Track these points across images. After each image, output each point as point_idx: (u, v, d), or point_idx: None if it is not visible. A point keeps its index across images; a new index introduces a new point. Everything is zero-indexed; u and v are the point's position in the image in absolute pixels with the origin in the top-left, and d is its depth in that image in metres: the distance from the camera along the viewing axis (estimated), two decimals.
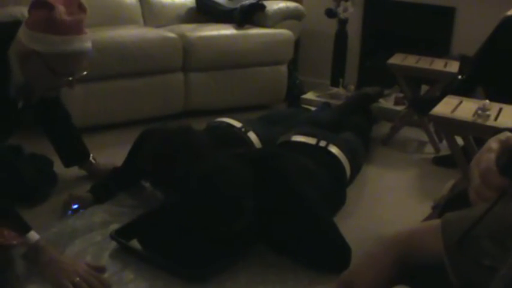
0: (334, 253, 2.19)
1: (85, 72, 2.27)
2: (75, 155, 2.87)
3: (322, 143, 2.73)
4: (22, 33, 2.13)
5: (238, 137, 2.87)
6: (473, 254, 0.83)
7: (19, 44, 2.14)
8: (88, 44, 2.19)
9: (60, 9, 2.09)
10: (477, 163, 1.04)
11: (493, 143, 1.06)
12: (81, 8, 2.18)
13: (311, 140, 2.76)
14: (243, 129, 2.93)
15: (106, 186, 2.67)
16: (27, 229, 2.02)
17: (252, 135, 2.90)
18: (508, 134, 1.09)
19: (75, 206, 2.54)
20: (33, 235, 2.02)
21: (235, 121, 3.00)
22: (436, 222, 0.92)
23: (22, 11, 3.13)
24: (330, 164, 2.66)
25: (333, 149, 2.71)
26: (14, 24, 2.20)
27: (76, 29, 2.13)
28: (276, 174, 2.29)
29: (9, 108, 2.25)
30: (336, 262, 2.11)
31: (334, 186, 2.58)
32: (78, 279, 1.96)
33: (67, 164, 2.85)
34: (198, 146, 2.48)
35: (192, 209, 2.19)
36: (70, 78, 2.22)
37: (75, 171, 2.88)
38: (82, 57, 2.20)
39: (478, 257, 0.83)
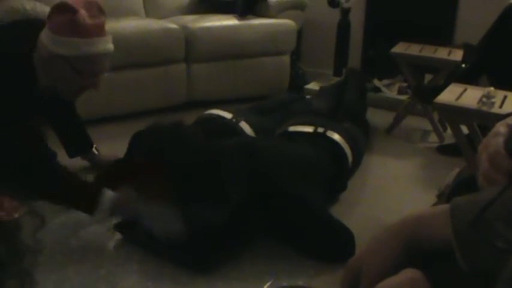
0: (336, 242, 2.18)
1: (107, 74, 2.36)
2: (79, 145, 2.87)
3: (320, 129, 2.72)
4: (45, 38, 2.17)
5: (230, 128, 2.86)
6: (485, 236, 0.82)
7: (43, 49, 2.17)
8: (110, 45, 2.26)
9: (83, 12, 2.14)
10: (485, 147, 1.03)
11: (501, 127, 1.05)
12: (101, 11, 2.24)
13: (309, 128, 2.74)
14: (234, 120, 2.92)
15: None
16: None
17: (243, 125, 2.89)
18: None
19: None
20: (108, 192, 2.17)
21: (225, 112, 2.99)
22: (444, 206, 0.91)
23: (23, 3, 3.12)
24: (330, 149, 2.64)
25: (332, 135, 2.70)
26: (39, 25, 2.23)
27: (99, 31, 2.19)
28: (263, 175, 2.27)
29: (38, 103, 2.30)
30: (340, 250, 2.11)
31: (335, 172, 2.57)
32: None
33: (71, 154, 2.85)
34: (189, 140, 2.47)
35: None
36: (95, 79, 2.28)
37: (78, 162, 2.88)
38: (106, 57, 2.27)
39: (490, 239, 0.82)
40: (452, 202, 0.90)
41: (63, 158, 2.81)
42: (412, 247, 0.93)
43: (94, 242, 2.25)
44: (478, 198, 0.87)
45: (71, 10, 2.13)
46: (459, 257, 0.85)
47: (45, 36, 2.18)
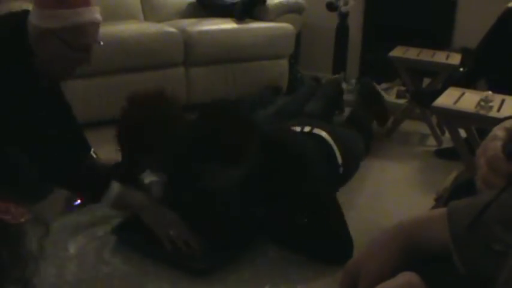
0: (336, 244, 2.18)
1: (101, 43, 2.30)
2: (78, 148, 2.86)
3: (307, 128, 2.70)
4: (33, 16, 2.17)
5: None
6: (483, 239, 0.82)
7: (32, 29, 2.17)
8: (98, 16, 2.23)
9: None
10: (483, 151, 1.03)
11: (499, 131, 1.06)
12: None
13: (296, 128, 2.73)
14: None
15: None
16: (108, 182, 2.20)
17: None
18: None
19: (77, 202, 2.54)
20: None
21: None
22: (442, 210, 0.92)
23: (22, 6, 3.12)
24: (318, 146, 2.57)
25: (319, 132, 2.65)
26: (24, 13, 2.24)
27: (84, 1, 2.18)
28: (291, 156, 2.25)
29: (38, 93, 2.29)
30: (340, 251, 2.11)
31: (326, 169, 2.51)
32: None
33: None
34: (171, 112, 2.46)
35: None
36: (86, 53, 2.26)
37: None
38: (94, 28, 2.24)
39: (487, 242, 0.82)
40: (449, 205, 0.90)
41: None
42: (410, 251, 0.94)
43: (92, 245, 2.24)
44: (476, 202, 0.87)
45: None
46: (457, 260, 0.86)
47: (32, 15, 2.18)
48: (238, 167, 2.13)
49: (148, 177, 2.47)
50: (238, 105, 2.41)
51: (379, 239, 0.98)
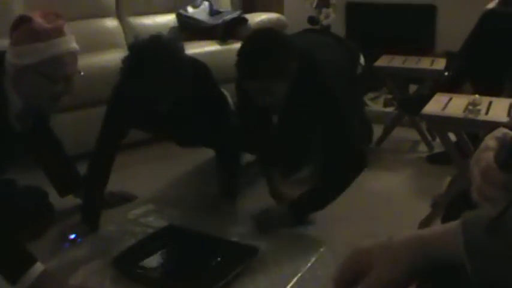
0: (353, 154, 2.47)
1: (82, 73, 2.29)
2: (69, 183, 2.85)
3: None
4: (10, 55, 2.16)
5: None
6: (498, 247, 0.82)
7: (10, 68, 2.16)
8: (74, 45, 2.23)
9: (38, 19, 2.15)
10: (476, 163, 1.03)
11: (490, 141, 1.06)
12: (58, 16, 2.23)
13: None
14: None
15: (96, 213, 2.66)
16: (33, 260, 2.01)
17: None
18: (503, 130, 1.08)
19: (73, 236, 2.53)
20: (39, 266, 2.01)
21: None
22: (455, 222, 0.91)
23: (4, 43, 3.12)
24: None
25: None
26: (2, 54, 2.21)
27: (58, 32, 2.17)
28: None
29: (8, 137, 2.25)
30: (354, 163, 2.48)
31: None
32: None
33: (62, 193, 2.84)
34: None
35: None
36: (67, 84, 2.24)
37: (71, 200, 2.86)
38: (72, 58, 2.23)
39: (503, 250, 0.81)
40: (462, 217, 0.89)
41: (55, 198, 2.80)
42: (423, 261, 0.92)
43: (92, 280, 2.23)
44: (488, 214, 0.87)
45: (26, 19, 2.14)
46: (470, 271, 0.85)
47: (9, 54, 2.17)
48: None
49: None
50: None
51: (394, 245, 0.96)
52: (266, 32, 2.61)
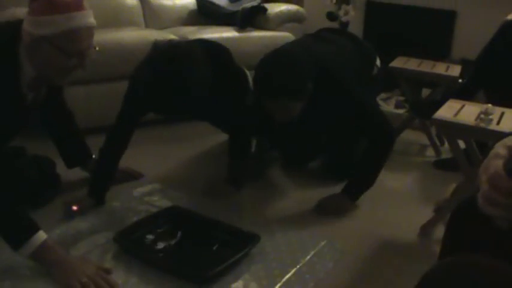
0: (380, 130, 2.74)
1: (97, 48, 2.27)
2: (78, 155, 2.88)
3: None
4: (26, 24, 2.13)
5: None
6: None
7: (26, 36, 2.14)
8: (92, 20, 2.20)
9: None
10: (485, 170, 1.04)
11: (500, 149, 1.07)
12: None
13: None
14: None
15: (105, 187, 2.69)
16: (36, 228, 2.05)
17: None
18: None
19: (76, 208, 2.55)
20: (41, 235, 2.05)
21: None
22: None
23: (24, 11, 3.13)
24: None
25: None
26: (20, 22, 2.21)
27: (77, 5, 2.14)
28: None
29: (20, 105, 2.26)
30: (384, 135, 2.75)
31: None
32: (85, 279, 2.00)
33: (69, 164, 2.87)
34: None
35: None
36: (81, 58, 2.21)
37: (78, 173, 2.89)
38: (89, 32, 2.20)
39: None
40: None
41: (62, 169, 2.83)
42: None
43: (93, 253, 2.25)
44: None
45: None
46: None
47: (26, 22, 2.14)
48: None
49: None
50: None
51: None
52: (283, 52, 2.65)
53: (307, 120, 2.74)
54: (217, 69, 2.49)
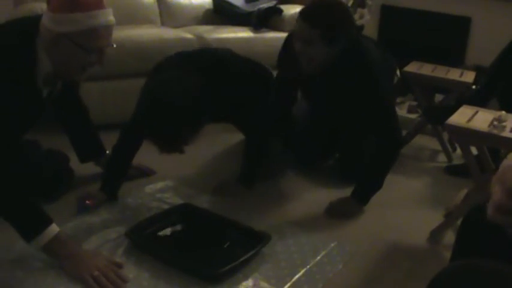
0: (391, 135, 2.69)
1: (114, 45, 2.29)
2: (91, 150, 2.90)
3: None
4: (47, 20, 2.14)
5: None
6: None
7: (45, 32, 2.15)
8: (111, 18, 2.22)
9: None
10: (500, 180, 1.04)
11: None
12: None
13: None
14: None
15: (118, 183, 2.72)
16: (49, 221, 2.07)
17: None
18: None
19: (89, 202, 2.58)
20: (54, 228, 2.07)
21: None
22: None
23: (42, 7, 3.16)
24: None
25: None
26: (38, 18, 2.23)
27: (98, 4, 2.16)
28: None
29: (35, 99, 2.28)
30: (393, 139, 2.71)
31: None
32: (97, 273, 2.02)
33: (83, 159, 2.89)
34: None
35: None
36: (100, 55, 2.23)
37: (91, 168, 2.91)
38: (108, 30, 2.22)
39: None
40: None
41: (75, 163, 2.85)
42: None
43: (105, 247, 2.27)
44: None
45: None
46: None
47: (46, 18, 2.15)
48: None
49: None
50: None
51: None
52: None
53: (325, 104, 2.86)
54: (217, 76, 2.62)
